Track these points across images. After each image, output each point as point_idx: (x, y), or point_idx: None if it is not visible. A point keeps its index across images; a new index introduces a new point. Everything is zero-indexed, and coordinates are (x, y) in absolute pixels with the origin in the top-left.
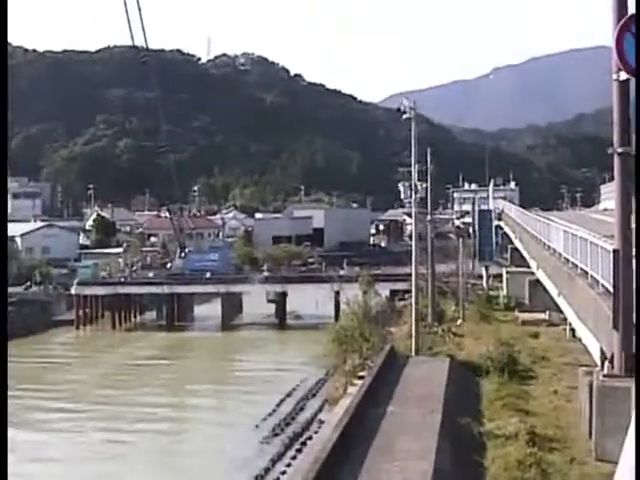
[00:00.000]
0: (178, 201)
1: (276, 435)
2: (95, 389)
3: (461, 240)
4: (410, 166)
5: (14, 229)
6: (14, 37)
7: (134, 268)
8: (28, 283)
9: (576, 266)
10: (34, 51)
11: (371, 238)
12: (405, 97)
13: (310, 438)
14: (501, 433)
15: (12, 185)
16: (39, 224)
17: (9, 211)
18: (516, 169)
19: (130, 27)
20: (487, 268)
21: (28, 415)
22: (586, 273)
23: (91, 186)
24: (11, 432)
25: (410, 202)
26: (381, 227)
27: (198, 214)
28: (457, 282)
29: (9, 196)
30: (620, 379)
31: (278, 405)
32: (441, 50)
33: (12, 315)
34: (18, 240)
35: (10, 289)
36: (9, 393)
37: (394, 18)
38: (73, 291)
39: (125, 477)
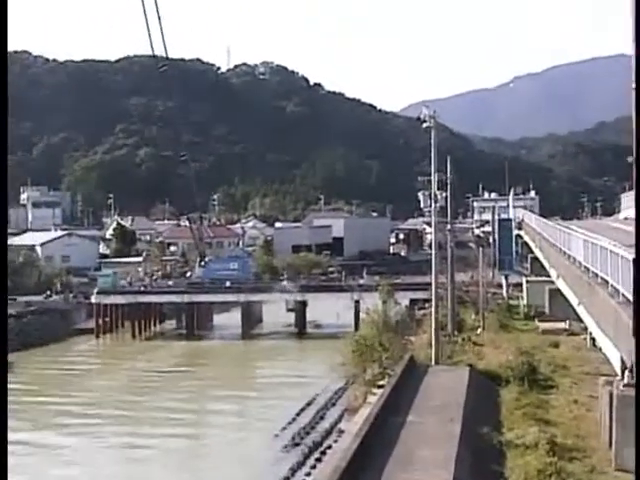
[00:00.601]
0: (198, 210)
1: (296, 444)
2: (117, 396)
3: (481, 249)
4: (430, 175)
5: (34, 238)
6: (34, 47)
7: (154, 277)
8: (48, 292)
9: (596, 275)
10: (54, 61)
11: (391, 247)
12: (425, 106)
13: (330, 447)
14: (521, 442)
15: (33, 194)
16: (59, 233)
17: (29, 220)
18: (536, 178)
19: (150, 37)
20: (507, 277)
21: (54, 420)
22: (606, 282)
23: (111, 195)
24: (39, 436)
25: (430, 211)
26: (401, 236)
27: (218, 223)
28: (477, 291)
29: (29, 205)
30: None
31: (298, 414)
32: (461, 59)
33: (32, 324)
34: (38, 249)
35: (30, 298)
36: (33, 399)
37: (415, 27)
38: (93, 300)
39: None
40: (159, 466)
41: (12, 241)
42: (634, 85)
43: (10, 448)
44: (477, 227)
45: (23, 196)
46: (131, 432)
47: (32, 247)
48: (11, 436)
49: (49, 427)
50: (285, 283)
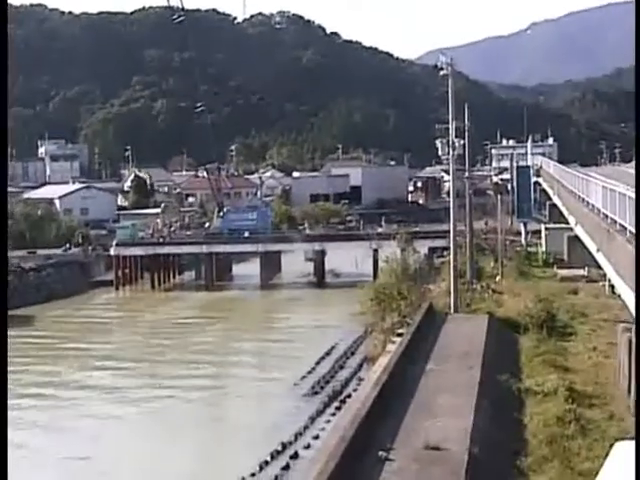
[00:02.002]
0: (215, 161)
1: (315, 393)
2: (139, 346)
3: (499, 197)
4: (447, 123)
5: (53, 191)
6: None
7: (172, 228)
8: (67, 245)
9: (615, 222)
10: (70, 13)
11: (409, 195)
12: (442, 53)
13: (349, 396)
14: (540, 390)
15: (50, 147)
16: (77, 186)
17: (48, 173)
18: (554, 125)
19: None
20: (525, 225)
21: (77, 375)
22: (625, 229)
23: (128, 147)
24: (64, 392)
25: (448, 159)
26: (419, 184)
27: (236, 174)
28: (495, 239)
29: (47, 159)
30: None
31: (317, 363)
32: (478, 5)
33: (52, 276)
34: (57, 202)
35: (49, 251)
36: (58, 351)
37: None
38: (112, 252)
39: (171, 431)
40: (180, 416)
41: (31, 194)
42: (634, 86)
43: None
44: (495, 175)
45: (41, 149)
46: (153, 384)
47: (51, 200)
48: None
49: (73, 383)
50: (303, 232)
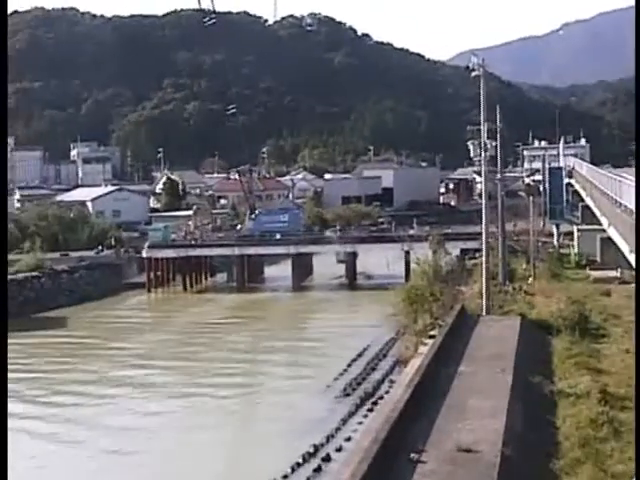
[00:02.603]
0: (247, 163)
1: (347, 395)
2: (172, 346)
3: (531, 198)
4: (479, 124)
5: (85, 193)
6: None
7: (204, 230)
8: (99, 247)
9: None
10: (102, 16)
11: (441, 197)
12: (474, 54)
13: (381, 398)
14: (572, 392)
15: (83, 150)
16: (110, 188)
17: (80, 175)
18: (587, 126)
19: None
20: (558, 226)
21: (114, 372)
22: None
23: (160, 150)
24: (111, 390)
25: (480, 160)
26: (451, 186)
27: (267, 176)
28: (528, 240)
29: (79, 161)
30: None
31: (349, 365)
32: (510, 6)
33: (84, 278)
34: (89, 204)
35: (82, 253)
36: (95, 351)
37: None
38: (144, 254)
39: (207, 429)
40: (214, 415)
41: (63, 197)
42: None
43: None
44: (527, 176)
45: (73, 152)
46: (187, 382)
47: (83, 203)
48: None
49: (111, 380)
50: (335, 234)
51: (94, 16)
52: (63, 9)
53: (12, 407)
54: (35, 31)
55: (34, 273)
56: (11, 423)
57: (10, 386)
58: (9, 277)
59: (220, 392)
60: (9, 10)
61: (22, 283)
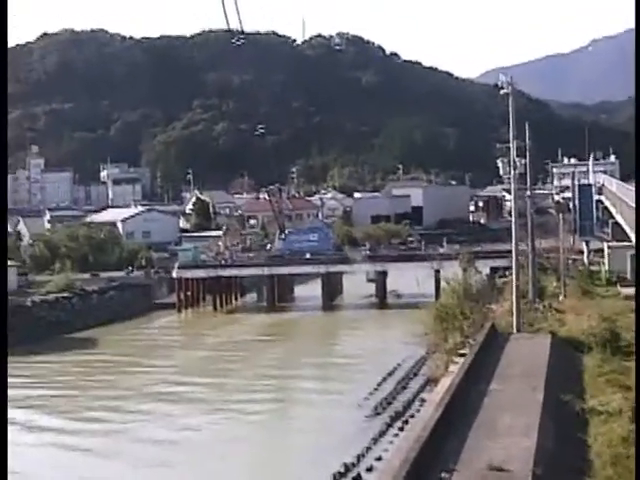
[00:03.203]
0: (277, 183)
1: (378, 414)
2: (204, 365)
3: (561, 215)
4: (508, 142)
5: (115, 214)
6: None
7: (234, 250)
8: (130, 267)
9: None
10: (131, 38)
11: (470, 215)
12: (502, 72)
13: (412, 416)
14: (604, 410)
15: (113, 171)
16: (140, 209)
17: (110, 196)
18: (616, 142)
19: (225, 11)
20: (588, 243)
21: (150, 389)
22: None
23: (190, 170)
24: (147, 405)
25: (509, 178)
26: (480, 204)
27: (297, 195)
28: (558, 258)
29: (109, 182)
30: None
31: (380, 384)
32: (538, 23)
33: (115, 299)
34: (119, 225)
35: (112, 274)
36: (128, 369)
37: None
38: (174, 274)
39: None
40: (247, 430)
41: (93, 218)
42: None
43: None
44: (557, 193)
45: (103, 173)
46: (220, 397)
47: (113, 224)
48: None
49: (152, 396)
50: (364, 253)
51: (123, 37)
52: (92, 31)
53: (52, 423)
54: (65, 53)
55: (65, 294)
56: (53, 438)
57: (49, 402)
58: (40, 298)
59: (253, 408)
60: (39, 32)
61: (53, 304)
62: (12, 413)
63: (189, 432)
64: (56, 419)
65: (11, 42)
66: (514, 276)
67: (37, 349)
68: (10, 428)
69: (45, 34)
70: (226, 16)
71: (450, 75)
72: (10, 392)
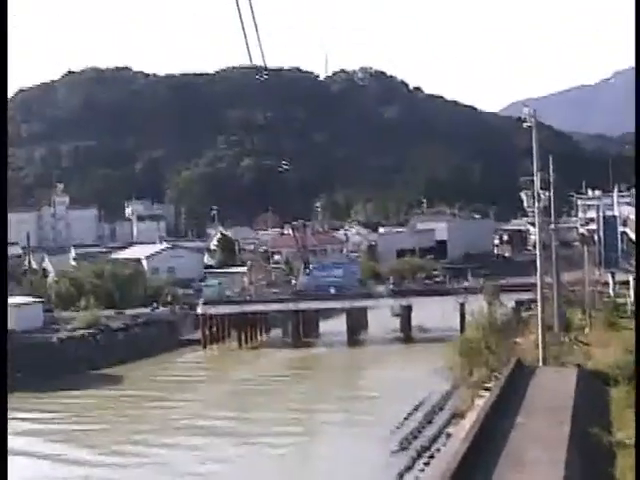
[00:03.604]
0: (301, 218)
1: (404, 448)
2: (231, 400)
3: (586, 247)
4: (532, 175)
5: (140, 251)
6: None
7: (259, 285)
8: (155, 304)
9: None
10: (154, 75)
11: (495, 248)
12: (525, 105)
13: (438, 450)
14: (631, 443)
15: (137, 208)
16: (164, 245)
17: (135, 233)
18: None
19: (248, 47)
20: (613, 275)
21: (182, 422)
22: None
23: (214, 206)
24: (176, 438)
25: (533, 211)
26: (505, 237)
27: (321, 230)
28: (583, 290)
29: (134, 219)
30: None
31: (406, 418)
32: (561, 56)
33: (140, 336)
34: (144, 262)
35: (137, 310)
36: (156, 404)
37: (513, 26)
38: (199, 310)
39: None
40: (274, 464)
41: (119, 255)
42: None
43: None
44: (581, 225)
45: (128, 210)
46: (247, 432)
47: (138, 260)
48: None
49: (188, 428)
50: (388, 288)
51: (147, 75)
52: (117, 68)
53: (84, 456)
54: (89, 91)
55: (90, 330)
56: (85, 471)
57: (80, 436)
58: (65, 334)
59: (279, 441)
60: (63, 70)
61: (78, 340)
62: (44, 447)
63: (219, 465)
64: (87, 453)
65: (36, 81)
66: (539, 309)
67: (64, 385)
68: (42, 462)
69: (70, 72)
70: (249, 52)
71: (473, 109)
72: (41, 427)
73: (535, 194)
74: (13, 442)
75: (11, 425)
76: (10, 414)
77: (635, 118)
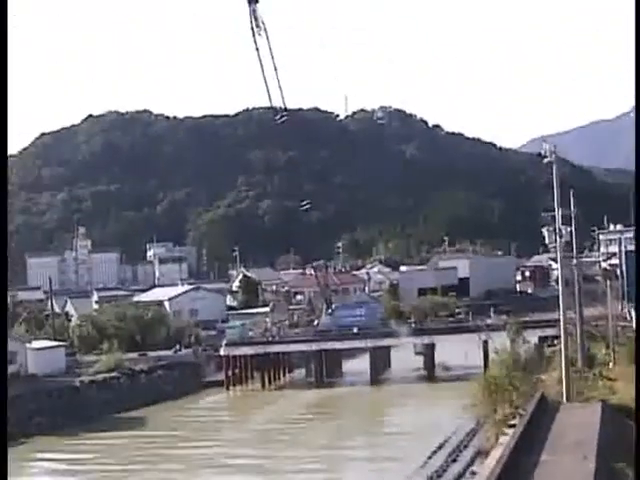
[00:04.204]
0: (322, 258)
1: None
2: (256, 440)
3: (609, 282)
4: (553, 210)
5: (162, 293)
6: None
7: (282, 326)
8: (177, 346)
9: None
10: (175, 118)
11: (517, 285)
12: (544, 141)
13: None
14: None
15: (159, 250)
16: (186, 287)
17: (157, 275)
18: None
19: (268, 88)
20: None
21: (210, 462)
22: None
23: (236, 248)
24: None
25: (555, 247)
26: (527, 273)
27: (343, 270)
28: (606, 325)
29: (156, 262)
30: None
31: (430, 457)
32: (579, 91)
33: (163, 378)
34: (166, 304)
35: (160, 353)
36: (181, 444)
37: (532, 63)
38: (222, 352)
39: None
40: None
41: (141, 297)
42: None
43: None
44: (604, 260)
45: (150, 253)
46: (274, 469)
47: (160, 302)
48: None
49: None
50: (411, 326)
51: (167, 118)
52: (137, 112)
53: None
54: (110, 134)
55: (113, 374)
56: None
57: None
58: (88, 378)
59: (309, 477)
60: (84, 114)
61: (101, 384)
62: None
63: None
64: None
65: (57, 125)
66: (562, 345)
67: (88, 428)
68: None
69: (90, 116)
70: (269, 94)
71: (494, 146)
72: (69, 467)
73: (557, 229)
74: None
75: (37, 466)
76: (34, 455)
77: (635, 126)
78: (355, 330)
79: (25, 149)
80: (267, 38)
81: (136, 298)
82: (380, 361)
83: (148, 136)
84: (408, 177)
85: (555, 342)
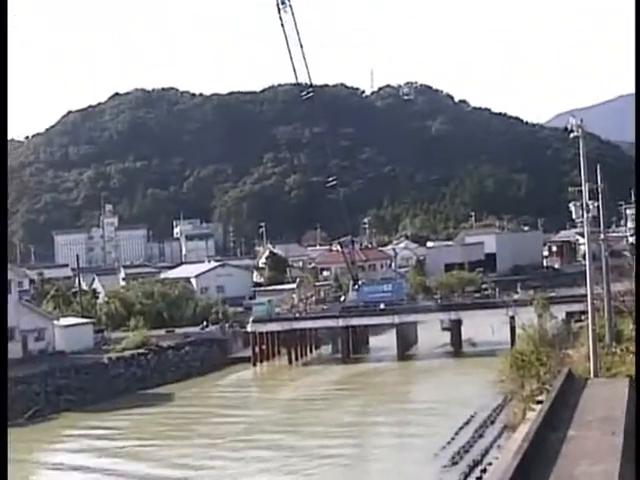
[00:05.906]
0: (349, 234)
1: (455, 463)
2: (284, 416)
3: (636, 256)
4: (580, 185)
5: (189, 270)
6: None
7: (308, 302)
8: (204, 323)
9: None
10: (201, 95)
11: (544, 260)
12: (572, 115)
13: (490, 464)
14: None
15: (185, 227)
16: (213, 264)
17: (184, 252)
18: None
19: (293, 65)
20: None
21: (238, 437)
22: None
23: (262, 224)
24: (236, 453)
25: (582, 222)
26: (554, 248)
27: (369, 246)
28: (634, 300)
29: (183, 239)
30: None
31: (457, 433)
32: (606, 65)
33: (190, 354)
34: (193, 281)
35: (187, 329)
36: (211, 420)
37: (559, 37)
38: (249, 328)
39: None
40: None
41: (168, 274)
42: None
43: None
44: (631, 235)
45: (176, 230)
46: (302, 445)
47: (187, 279)
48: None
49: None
50: (438, 302)
51: (193, 95)
52: (163, 89)
53: (151, 470)
54: (136, 112)
55: (140, 350)
56: None
57: (141, 451)
58: (116, 355)
59: (333, 452)
60: (110, 92)
61: (129, 360)
62: (110, 464)
63: (284, 477)
64: (150, 466)
65: (83, 103)
66: (590, 320)
67: (116, 405)
68: (108, 478)
69: (116, 94)
70: (294, 70)
71: (520, 120)
72: (98, 443)
73: (584, 204)
74: (72, 459)
75: (67, 442)
76: (63, 432)
77: (635, 126)
78: (382, 306)
79: (52, 127)
80: (292, 14)
81: (163, 275)
82: (407, 337)
83: (174, 113)
84: (435, 152)
85: (582, 318)
